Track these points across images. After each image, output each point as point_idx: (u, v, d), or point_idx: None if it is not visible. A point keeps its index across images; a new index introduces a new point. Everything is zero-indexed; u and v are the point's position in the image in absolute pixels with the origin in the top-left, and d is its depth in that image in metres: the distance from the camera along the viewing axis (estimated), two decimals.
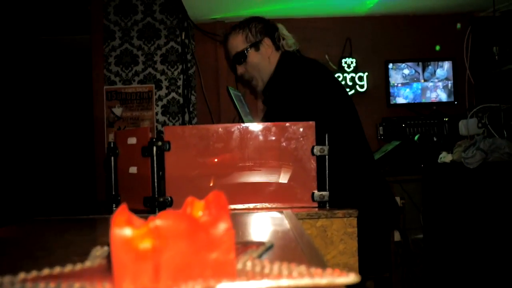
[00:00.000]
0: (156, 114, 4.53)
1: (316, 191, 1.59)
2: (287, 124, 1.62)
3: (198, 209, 0.49)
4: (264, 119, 2.12)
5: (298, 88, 2.06)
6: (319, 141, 1.61)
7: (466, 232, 2.98)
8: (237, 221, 1.04)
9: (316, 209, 1.56)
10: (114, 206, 1.81)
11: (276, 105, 2.09)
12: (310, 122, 1.62)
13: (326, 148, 1.59)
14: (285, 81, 2.11)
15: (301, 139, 1.61)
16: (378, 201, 2.10)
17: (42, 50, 5.58)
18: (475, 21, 4.53)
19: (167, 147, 1.60)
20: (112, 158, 1.83)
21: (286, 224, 0.94)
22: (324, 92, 2.10)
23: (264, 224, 1.06)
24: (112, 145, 1.83)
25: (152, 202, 1.60)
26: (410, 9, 4.45)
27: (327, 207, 1.58)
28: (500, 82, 4.16)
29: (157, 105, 4.53)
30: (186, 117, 4.40)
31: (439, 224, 3.31)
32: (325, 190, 1.59)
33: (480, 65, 4.45)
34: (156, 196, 1.60)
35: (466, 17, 4.56)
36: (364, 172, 2.14)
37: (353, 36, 4.57)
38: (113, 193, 1.83)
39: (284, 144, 1.61)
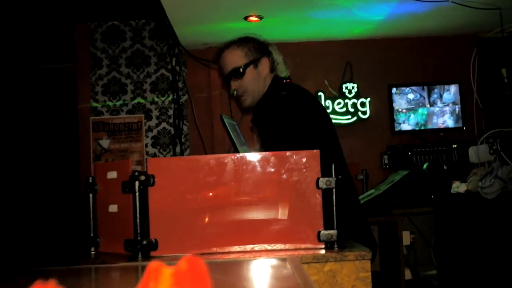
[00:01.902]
0: (146, 145, 4.38)
1: (322, 230, 1.43)
2: (288, 153, 1.47)
3: (165, 283, 0.32)
4: (262, 148, 2.12)
5: (293, 112, 2.06)
6: (325, 172, 1.45)
7: (484, 268, 2.81)
8: (230, 273, 0.87)
9: (323, 251, 1.40)
10: (92, 249, 1.64)
11: (271, 130, 2.06)
12: (314, 151, 1.46)
13: (333, 180, 1.44)
14: (279, 103, 2.10)
15: (304, 170, 1.45)
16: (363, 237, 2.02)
17: (25, 79, 5.45)
18: (480, 43, 4.44)
19: (151, 182, 1.44)
20: (91, 194, 1.67)
21: (291, 276, 0.78)
22: (316, 119, 2.13)
23: (263, 277, 0.89)
24: (90, 180, 1.67)
25: (134, 245, 1.44)
26: (412, 31, 4.36)
27: (336, 248, 1.41)
28: (510, 105, 4.04)
29: (147, 136, 4.39)
30: (178, 149, 4.25)
31: (454, 260, 3.13)
32: (333, 229, 1.43)
33: (488, 88, 4.34)
34: (139, 238, 1.43)
35: (471, 38, 4.47)
36: (351, 206, 2.09)
37: (353, 60, 4.47)
38: (92, 234, 1.66)
39: (285, 176, 1.46)
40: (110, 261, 1.47)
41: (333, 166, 1.45)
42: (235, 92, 2.32)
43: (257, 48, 2.29)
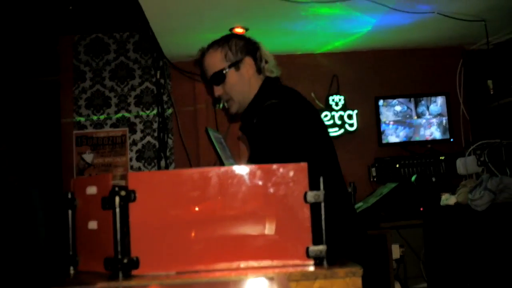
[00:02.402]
0: (130, 160, 4.31)
1: (311, 246, 1.37)
2: (275, 166, 1.42)
3: None
4: (249, 161, 1.97)
5: (283, 123, 1.88)
6: (313, 185, 1.40)
7: (475, 280, 2.77)
8: None
9: (312, 267, 1.34)
10: (71, 269, 1.57)
11: (259, 143, 1.91)
12: (302, 164, 1.41)
13: (321, 193, 1.39)
14: (268, 114, 1.92)
15: (292, 184, 1.40)
16: (361, 253, 1.93)
17: (7, 93, 5.36)
18: (466, 55, 4.46)
19: (132, 197, 1.38)
20: (70, 211, 1.60)
21: None
22: (309, 129, 1.95)
23: None
24: (69, 196, 1.61)
25: (114, 264, 1.37)
26: (398, 43, 4.36)
27: (325, 264, 1.36)
28: (497, 117, 4.05)
29: (131, 150, 4.32)
30: (163, 163, 4.19)
31: (445, 273, 3.09)
32: (322, 244, 1.38)
33: (474, 100, 4.35)
34: (120, 256, 1.36)
35: (457, 50, 4.49)
36: (345, 220, 1.97)
37: (340, 73, 4.46)
38: (71, 253, 1.59)
39: (271, 190, 1.41)
40: (90, 281, 1.40)
41: (321, 179, 1.41)
42: (221, 105, 2.18)
43: (239, 47, 2.08)
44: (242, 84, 2.07)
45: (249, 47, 2.10)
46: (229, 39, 2.12)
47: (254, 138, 1.96)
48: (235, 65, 2.07)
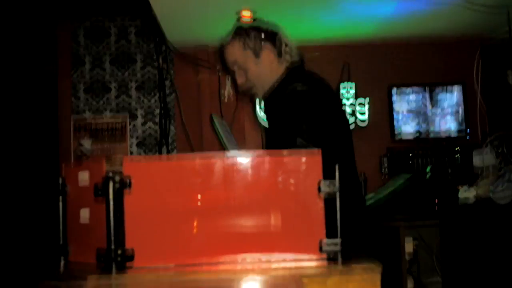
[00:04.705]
0: (131, 147, 4.22)
1: (324, 239, 1.28)
2: (285, 153, 1.33)
3: None
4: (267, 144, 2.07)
5: (303, 109, 1.92)
6: (327, 174, 1.31)
7: (496, 277, 2.68)
8: None
9: (326, 263, 1.25)
10: (62, 259, 1.50)
11: (279, 127, 1.95)
12: (315, 151, 1.32)
13: (336, 183, 1.29)
14: (290, 99, 1.97)
15: (304, 173, 1.31)
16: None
17: (3, 79, 5.28)
18: (484, 45, 4.36)
19: (128, 184, 1.29)
20: (61, 198, 1.52)
21: None
22: (328, 117, 1.99)
23: None
24: (60, 182, 1.53)
25: (107, 256, 1.28)
26: (415, 33, 4.25)
27: (340, 260, 1.27)
28: None
29: (132, 137, 4.23)
30: (164, 151, 4.11)
31: (461, 269, 3.00)
32: (336, 238, 1.28)
33: (492, 91, 4.24)
34: (113, 247, 1.27)
35: (475, 40, 4.39)
36: (358, 211, 2.00)
37: (352, 61, 4.37)
38: (61, 243, 1.51)
39: (281, 179, 1.32)
40: (80, 274, 1.31)
41: (336, 167, 1.31)
42: (245, 85, 2.18)
43: (257, 34, 2.11)
44: (264, 71, 2.11)
45: (267, 32, 2.14)
46: (246, 27, 2.15)
47: (275, 122, 2.02)
48: (254, 52, 2.11)
